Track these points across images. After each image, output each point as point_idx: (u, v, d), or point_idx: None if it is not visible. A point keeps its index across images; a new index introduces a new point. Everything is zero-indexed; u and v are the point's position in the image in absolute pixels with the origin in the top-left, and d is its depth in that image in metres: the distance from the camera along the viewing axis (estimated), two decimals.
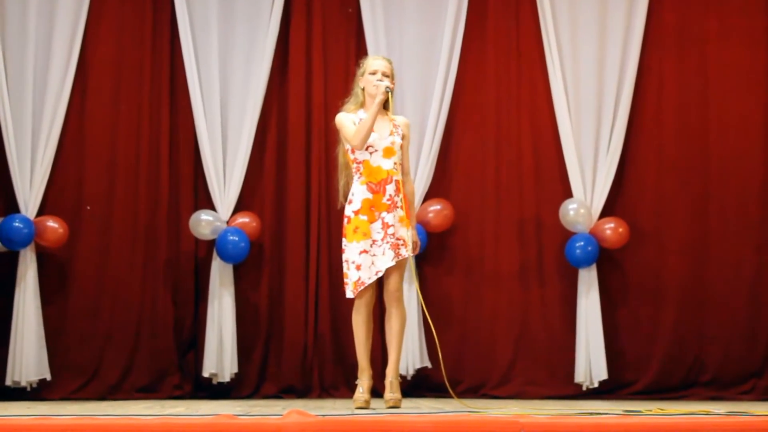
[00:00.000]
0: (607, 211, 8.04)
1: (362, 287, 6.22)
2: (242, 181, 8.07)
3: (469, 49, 8.19)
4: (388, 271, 6.24)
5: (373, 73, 6.37)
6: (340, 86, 8.09)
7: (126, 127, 8.14)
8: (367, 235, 6.22)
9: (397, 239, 6.23)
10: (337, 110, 6.55)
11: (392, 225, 6.23)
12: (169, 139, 8.16)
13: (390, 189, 6.26)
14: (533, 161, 8.20)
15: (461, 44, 8.14)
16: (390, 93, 6.27)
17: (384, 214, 6.25)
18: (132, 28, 8.18)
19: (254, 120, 8.08)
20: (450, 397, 6.65)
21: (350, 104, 6.47)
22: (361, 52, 8.03)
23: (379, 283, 6.46)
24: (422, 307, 6.35)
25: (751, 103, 8.14)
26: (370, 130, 6.23)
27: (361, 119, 6.30)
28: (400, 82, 8.10)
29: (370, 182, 6.28)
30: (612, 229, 7.93)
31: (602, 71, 8.11)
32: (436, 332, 6.52)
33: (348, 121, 6.33)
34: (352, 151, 6.34)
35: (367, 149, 6.30)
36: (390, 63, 6.47)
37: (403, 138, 6.39)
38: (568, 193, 8.04)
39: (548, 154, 8.17)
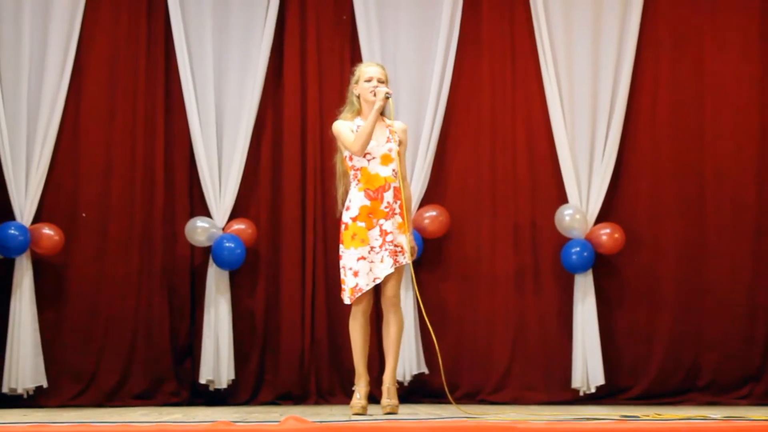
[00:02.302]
0: (602, 217, 8.05)
1: (359, 293, 6.22)
2: (238, 187, 8.07)
3: (463, 54, 8.20)
4: (386, 277, 6.24)
5: (369, 80, 6.35)
6: (335, 92, 8.10)
7: (121, 134, 8.14)
8: (365, 241, 6.21)
9: (396, 246, 6.22)
10: (332, 116, 6.54)
11: (390, 232, 6.22)
12: (164, 146, 8.15)
13: (388, 196, 6.25)
14: (528, 167, 8.20)
15: (456, 50, 8.15)
16: (389, 98, 6.26)
17: (382, 221, 6.24)
18: (127, 36, 8.18)
19: (249, 126, 8.08)
20: (447, 402, 6.65)
21: (346, 112, 6.44)
22: (356, 58, 8.04)
23: (377, 289, 6.46)
24: (423, 314, 6.32)
25: (746, 106, 8.16)
26: (370, 135, 6.21)
27: (359, 126, 6.29)
28: (395, 88, 8.09)
29: (368, 189, 6.28)
30: (608, 235, 7.94)
31: (597, 76, 8.13)
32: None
33: (346, 128, 6.32)
34: (350, 159, 6.32)
35: (364, 156, 6.29)
36: (384, 69, 6.46)
37: (400, 144, 6.38)
38: (563, 199, 8.05)
39: (543, 160, 8.18)
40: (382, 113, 6.33)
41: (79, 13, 8.03)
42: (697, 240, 8.10)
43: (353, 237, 6.22)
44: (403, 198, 6.32)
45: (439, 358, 6.57)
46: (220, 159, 8.09)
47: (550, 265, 8.12)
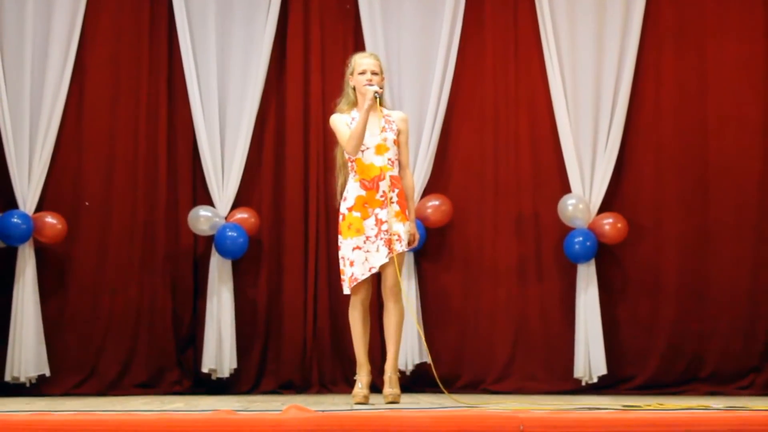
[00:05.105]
0: (605, 207, 8.04)
1: (355, 283, 6.22)
2: (240, 176, 8.07)
3: (467, 44, 8.19)
4: (385, 266, 6.23)
5: (362, 73, 6.32)
6: (338, 82, 8.02)
7: (124, 123, 8.15)
8: (360, 231, 6.22)
9: (391, 235, 6.21)
10: (335, 106, 6.54)
11: (386, 221, 6.22)
12: (167, 135, 8.16)
13: (383, 185, 6.24)
14: (531, 157, 8.20)
15: (459, 40, 8.14)
16: (378, 97, 6.23)
17: (377, 210, 6.24)
18: (130, 26, 8.19)
19: (252, 116, 8.08)
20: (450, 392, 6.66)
21: (343, 104, 6.43)
22: (359, 48, 8.03)
23: (376, 279, 6.45)
24: (414, 305, 6.33)
25: (749, 98, 8.14)
26: (362, 135, 6.21)
27: (353, 119, 6.28)
28: (399, 78, 8.11)
29: (364, 179, 6.27)
30: (611, 225, 7.93)
31: (600, 66, 8.11)
32: (426, 331, 6.53)
33: (341, 123, 6.31)
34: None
35: None
36: (377, 59, 6.43)
37: (399, 133, 6.37)
38: (566, 189, 8.04)
39: (546, 150, 8.18)
40: (381, 104, 6.35)
41: (82, 1, 8.03)
42: (700, 230, 8.10)
43: (349, 227, 6.23)
44: (402, 186, 6.32)
45: (428, 353, 6.57)
46: (223, 148, 8.09)
47: (552, 254, 8.11)
